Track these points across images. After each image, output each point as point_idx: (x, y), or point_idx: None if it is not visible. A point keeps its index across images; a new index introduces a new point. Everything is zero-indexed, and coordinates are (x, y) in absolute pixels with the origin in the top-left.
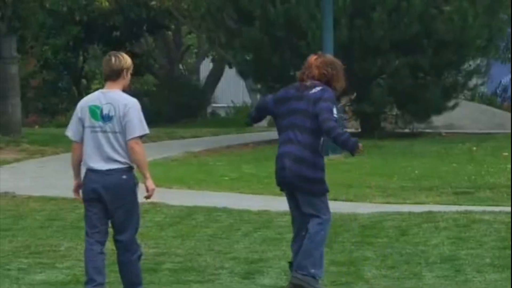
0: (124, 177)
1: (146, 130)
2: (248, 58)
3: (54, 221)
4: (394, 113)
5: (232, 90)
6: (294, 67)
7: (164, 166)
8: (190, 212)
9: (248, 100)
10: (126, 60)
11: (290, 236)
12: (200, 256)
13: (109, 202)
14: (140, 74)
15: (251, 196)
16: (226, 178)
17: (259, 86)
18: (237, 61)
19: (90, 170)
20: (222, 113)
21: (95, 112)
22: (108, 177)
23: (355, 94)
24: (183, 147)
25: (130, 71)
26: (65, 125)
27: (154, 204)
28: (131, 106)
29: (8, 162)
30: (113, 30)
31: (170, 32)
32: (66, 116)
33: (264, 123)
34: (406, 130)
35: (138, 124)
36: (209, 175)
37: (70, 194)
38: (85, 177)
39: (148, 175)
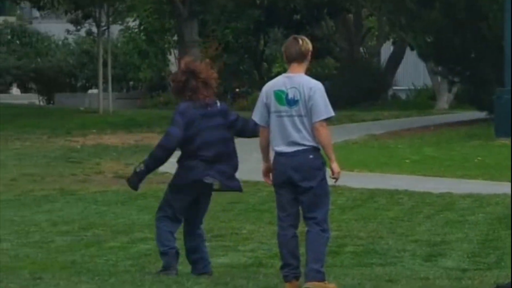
0: (311, 156)
1: (331, 112)
2: (428, 40)
3: (236, 204)
4: None
5: (413, 73)
6: (475, 49)
7: (345, 149)
8: (372, 194)
9: (429, 82)
10: (310, 43)
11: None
12: (382, 238)
13: (298, 182)
14: (320, 57)
15: (433, 179)
16: (407, 160)
17: (439, 68)
18: (417, 44)
19: (278, 154)
20: (403, 96)
21: (280, 97)
22: (295, 158)
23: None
24: (364, 130)
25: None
26: (246, 108)
27: (335, 187)
28: (316, 89)
29: None
30: (293, 13)
31: (350, 15)
32: (247, 99)
33: (445, 105)
34: None
35: (324, 107)
36: (390, 157)
37: (252, 177)
38: (274, 161)
39: (333, 157)
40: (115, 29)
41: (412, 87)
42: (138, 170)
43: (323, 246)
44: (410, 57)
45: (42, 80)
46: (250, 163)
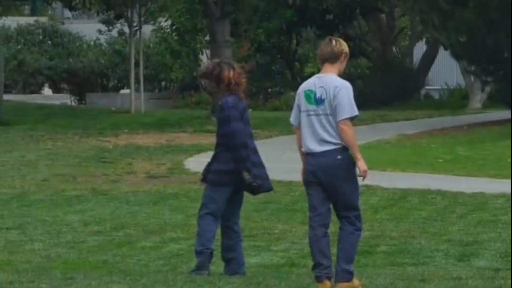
0: (339, 157)
1: (355, 112)
2: (462, 40)
3: (269, 204)
4: None
5: (446, 72)
6: (508, 48)
7: (377, 148)
8: (404, 194)
9: (462, 81)
10: (345, 45)
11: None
12: (415, 238)
13: (327, 183)
14: (353, 57)
15: (466, 178)
16: (440, 160)
17: (472, 68)
18: (450, 43)
19: (308, 154)
20: (436, 95)
21: (309, 96)
22: (323, 159)
23: None
24: (397, 129)
25: (347, 58)
26: (279, 108)
27: (368, 186)
28: (341, 88)
29: None
30: (326, 13)
31: (383, 15)
32: (280, 99)
33: (478, 105)
34: None
35: (348, 106)
36: (423, 157)
37: (284, 176)
38: (305, 160)
39: (359, 156)
40: (147, 29)
41: (445, 87)
42: (252, 181)
43: (355, 245)
44: (443, 57)
45: (74, 80)
46: (282, 163)
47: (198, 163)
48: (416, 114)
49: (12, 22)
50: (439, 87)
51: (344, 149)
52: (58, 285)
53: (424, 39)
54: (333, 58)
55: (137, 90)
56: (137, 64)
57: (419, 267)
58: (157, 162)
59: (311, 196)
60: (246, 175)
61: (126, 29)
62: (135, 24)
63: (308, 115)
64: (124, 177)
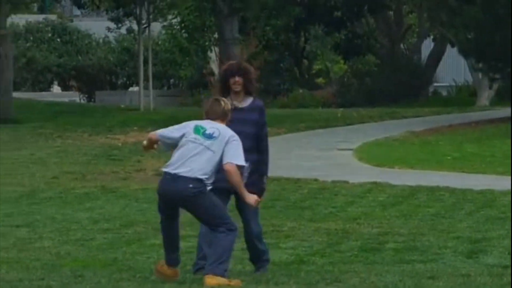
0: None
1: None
2: (469, 36)
3: (277, 202)
4: None
5: (454, 69)
6: None
7: (386, 145)
8: (413, 191)
9: (469, 78)
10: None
11: None
12: (423, 235)
13: None
14: (361, 54)
15: (474, 175)
16: (449, 157)
17: (480, 65)
18: (458, 40)
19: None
20: (444, 92)
21: (198, 129)
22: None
23: None
24: (405, 126)
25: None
26: (286, 106)
27: (376, 183)
28: (238, 140)
29: None
30: (334, 10)
31: (391, 12)
32: (288, 96)
33: (486, 102)
34: None
35: (241, 155)
36: (431, 154)
37: (292, 174)
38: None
39: (245, 193)
40: (156, 26)
41: (453, 84)
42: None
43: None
44: (451, 54)
45: (82, 78)
46: (290, 160)
47: None
48: (424, 111)
49: (20, 19)
50: (447, 84)
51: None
52: (68, 283)
53: (431, 36)
54: (223, 116)
55: (146, 87)
56: (146, 62)
57: (428, 264)
58: (166, 160)
59: None
60: (265, 178)
61: (135, 27)
62: (143, 21)
63: (192, 141)
64: (133, 174)
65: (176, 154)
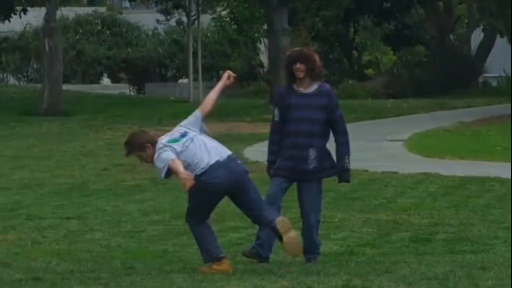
0: None
1: None
2: None
3: (328, 192)
4: None
5: (503, 59)
6: None
7: (436, 136)
8: (463, 182)
9: None
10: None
11: None
12: (474, 226)
13: None
14: (411, 45)
15: None
16: (499, 147)
17: None
18: (508, 30)
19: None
20: (494, 83)
21: None
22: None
23: None
24: (455, 117)
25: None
26: (337, 96)
27: (427, 174)
28: None
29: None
30: (383, 1)
31: (440, 2)
32: (338, 88)
33: None
34: None
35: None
36: (482, 145)
37: None
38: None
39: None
40: (205, 18)
41: (503, 74)
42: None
43: None
44: (500, 44)
45: (132, 70)
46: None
47: (257, 152)
48: (475, 101)
49: (70, 12)
50: (497, 75)
51: None
52: (119, 275)
53: (481, 27)
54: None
55: (195, 79)
56: (195, 54)
57: (479, 254)
58: None
59: None
60: (348, 158)
61: (184, 19)
62: (193, 13)
63: (186, 145)
64: None
65: (195, 157)
